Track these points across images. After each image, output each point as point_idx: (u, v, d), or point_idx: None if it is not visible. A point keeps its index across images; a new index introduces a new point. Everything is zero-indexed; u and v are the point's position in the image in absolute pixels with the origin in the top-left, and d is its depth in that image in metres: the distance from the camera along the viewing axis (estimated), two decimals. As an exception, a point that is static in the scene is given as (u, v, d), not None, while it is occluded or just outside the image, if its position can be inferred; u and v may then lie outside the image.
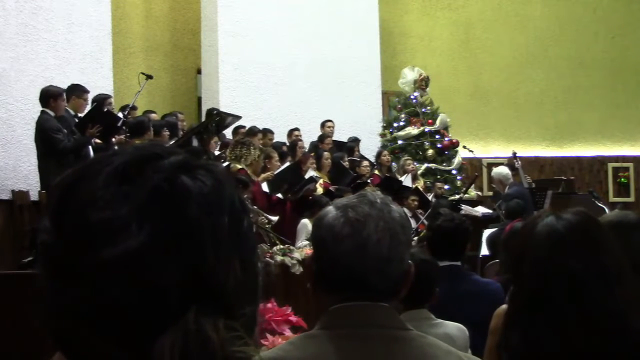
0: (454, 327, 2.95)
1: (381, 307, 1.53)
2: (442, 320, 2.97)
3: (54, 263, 0.76)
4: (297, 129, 10.84)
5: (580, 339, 1.49)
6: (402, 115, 12.51)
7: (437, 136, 12.40)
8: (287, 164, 9.28)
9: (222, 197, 0.78)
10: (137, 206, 0.74)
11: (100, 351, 0.74)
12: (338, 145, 11.07)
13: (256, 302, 0.82)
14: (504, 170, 10.29)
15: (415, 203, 9.83)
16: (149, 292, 0.73)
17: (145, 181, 0.75)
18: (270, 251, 6.74)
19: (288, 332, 3.78)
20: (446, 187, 11.64)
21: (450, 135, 12.60)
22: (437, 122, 12.48)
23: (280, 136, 10.73)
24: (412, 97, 12.58)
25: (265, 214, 7.61)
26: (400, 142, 12.29)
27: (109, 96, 9.10)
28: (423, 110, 12.49)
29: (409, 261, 1.57)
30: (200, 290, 0.74)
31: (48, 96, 7.87)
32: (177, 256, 0.74)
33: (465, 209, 10.01)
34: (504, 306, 2.99)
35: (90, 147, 7.96)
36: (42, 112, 7.86)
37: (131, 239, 0.73)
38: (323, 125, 11.34)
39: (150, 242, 0.73)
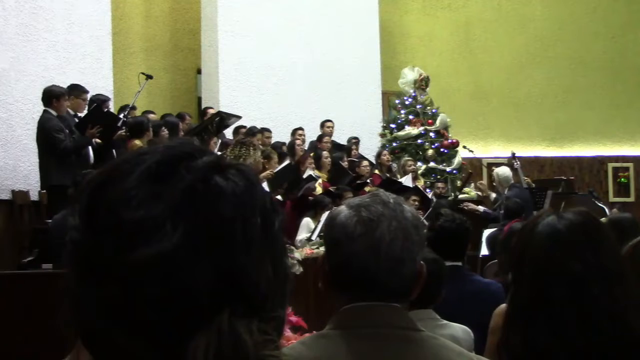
0: (459, 329, 2.94)
1: (393, 308, 1.53)
2: (447, 322, 2.95)
3: (84, 262, 0.75)
4: (300, 129, 10.82)
5: (580, 339, 1.49)
6: (402, 115, 12.51)
7: (433, 134, 12.39)
8: (286, 162, 9.27)
9: (254, 197, 0.78)
10: (171, 206, 0.73)
11: (131, 351, 0.74)
12: (338, 146, 11.07)
13: (285, 305, 0.82)
14: (505, 171, 10.30)
15: (416, 203, 9.83)
16: (182, 292, 0.72)
17: (179, 181, 0.75)
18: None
19: (288, 332, 3.78)
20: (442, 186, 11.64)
21: (450, 135, 12.60)
22: (437, 122, 12.48)
23: (280, 136, 10.72)
24: (408, 98, 12.57)
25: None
26: (397, 142, 12.28)
27: (108, 98, 9.11)
28: (419, 106, 12.48)
29: (421, 262, 1.56)
30: (233, 291, 0.74)
31: (51, 96, 7.87)
32: (211, 256, 0.73)
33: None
34: (503, 305, 2.99)
35: (90, 147, 7.96)
36: (45, 111, 7.86)
37: (165, 239, 0.72)
38: (322, 125, 11.34)
39: (184, 242, 0.72)
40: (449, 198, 10.71)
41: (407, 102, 12.58)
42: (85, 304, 0.75)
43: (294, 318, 3.96)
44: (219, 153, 7.25)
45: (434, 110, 12.59)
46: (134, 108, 9.34)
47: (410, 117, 12.44)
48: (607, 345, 1.49)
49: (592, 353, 1.49)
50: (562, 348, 1.50)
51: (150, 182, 0.75)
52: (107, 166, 0.80)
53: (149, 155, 0.78)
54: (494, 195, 10.66)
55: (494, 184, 10.62)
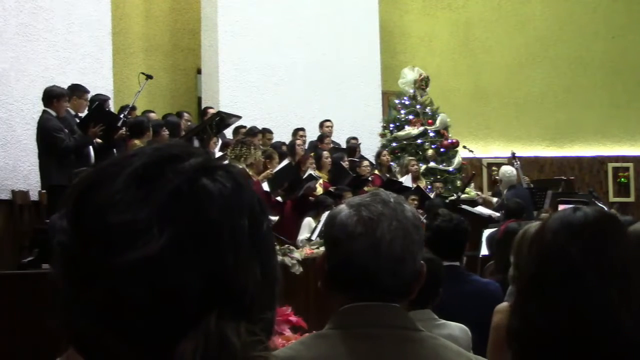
0: (456, 328, 2.94)
1: (393, 308, 1.52)
2: (445, 321, 2.95)
3: (72, 264, 0.75)
4: (302, 129, 10.83)
5: (569, 327, 1.50)
6: (402, 116, 12.51)
7: (432, 133, 12.38)
8: (286, 161, 9.28)
9: (242, 199, 0.78)
10: (157, 209, 0.73)
11: (120, 353, 0.74)
12: (337, 149, 11.07)
13: (275, 306, 0.82)
14: (508, 169, 10.35)
15: (416, 202, 9.84)
16: (169, 295, 0.72)
17: (166, 183, 0.75)
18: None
19: (288, 332, 3.78)
20: (440, 186, 11.65)
21: (450, 135, 12.60)
22: (437, 122, 12.48)
23: (281, 136, 10.73)
24: (407, 98, 12.56)
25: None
26: (396, 143, 12.28)
27: (107, 97, 9.11)
28: (418, 106, 12.48)
29: (422, 261, 1.55)
30: (221, 294, 0.74)
31: (51, 96, 7.87)
32: (198, 259, 0.73)
33: (475, 209, 10.02)
34: (505, 303, 3.01)
35: (91, 147, 7.97)
36: (44, 111, 7.87)
37: (152, 242, 0.72)
38: (321, 125, 11.34)
39: (171, 245, 0.72)
40: (451, 198, 10.71)
41: (406, 103, 12.57)
42: (73, 307, 0.75)
43: (294, 318, 3.96)
44: (220, 153, 7.21)
45: (430, 113, 12.57)
46: (134, 108, 9.34)
47: (410, 117, 12.44)
48: (595, 341, 1.49)
49: (580, 343, 1.50)
50: (552, 333, 1.51)
51: (136, 184, 0.75)
52: (94, 169, 0.79)
53: (137, 157, 0.78)
54: (495, 199, 10.69)
55: (498, 184, 10.64)
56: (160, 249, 0.72)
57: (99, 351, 0.75)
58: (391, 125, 12.51)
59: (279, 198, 8.72)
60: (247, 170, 8.35)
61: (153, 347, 0.73)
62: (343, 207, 1.55)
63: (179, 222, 0.73)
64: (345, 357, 1.47)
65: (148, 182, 0.75)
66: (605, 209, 10.49)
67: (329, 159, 10.04)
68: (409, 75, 12.76)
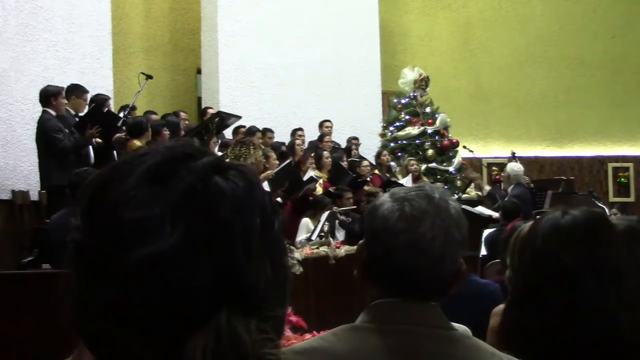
0: (458, 329, 2.93)
1: (429, 306, 1.51)
2: None
3: (85, 262, 0.76)
4: (300, 129, 10.83)
5: (566, 332, 1.50)
6: (403, 116, 12.51)
7: (433, 134, 12.38)
8: (286, 161, 9.27)
9: (254, 198, 0.79)
10: (170, 206, 0.74)
11: (131, 351, 0.74)
12: (338, 147, 11.08)
13: (285, 304, 0.82)
14: (515, 166, 10.33)
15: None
16: (180, 292, 0.73)
17: (179, 181, 0.75)
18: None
19: (288, 332, 3.79)
20: (445, 187, 11.64)
21: (450, 135, 12.60)
22: (437, 122, 12.48)
23: (280, 136, 10.74)
24: (407, 98, 12.56)
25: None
26: (395, 143, 12.26)
27: (108, 97, 9.11)
28: (417, 106, 12.48)
29: (461, 260, 1.53)
30: (232, 291, 0.74)
31: (48, 95, 7.87)
32: (210, 256, 0.74)
33: (475, 209, 10.02)
34: (502, 305, 3.01)
35: (90, 147, 7.96)
36: (44, 111, 7.87)
37: (164, 239, 0.73)
38: (321, 125, 11.34)
39: (183, 242, 0.73)
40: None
41: (405, 102, 12.56)
42: (86, 304, 0.76)
43: (294, 318, 3.97)
44: (220, 153, 7.24)
45: (429, 111, 12.56)
46: (134, 108, 9.34)
47: (408, 117, 12.42)
48: (594, 342, 1.49)
49: (577, 347, 1.50)
50: (547, 337, 1.51)
51: (150, 182, 0.76)
52: (108, 167, 0.80)
53: (149, 156, 0.78)
54: (488, 188, 10.68)
55: (502, 182, 10.63)
56: (172, 246, 0.72)
57: (111, 348, 0.76)
58: (391, 127, 12.49)
59: (278, 199, 8.71)
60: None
61: (164, 343, 0.73)
62: (386, 199, 1.52)
63: (191, 220, 0.74)
64: (380, 351, 1.45)
65: (161, 179, 0.76)
66: (605, 209, 10.51)
67: (329, 159, 10.04)
68: (409, 75, 12.75)
